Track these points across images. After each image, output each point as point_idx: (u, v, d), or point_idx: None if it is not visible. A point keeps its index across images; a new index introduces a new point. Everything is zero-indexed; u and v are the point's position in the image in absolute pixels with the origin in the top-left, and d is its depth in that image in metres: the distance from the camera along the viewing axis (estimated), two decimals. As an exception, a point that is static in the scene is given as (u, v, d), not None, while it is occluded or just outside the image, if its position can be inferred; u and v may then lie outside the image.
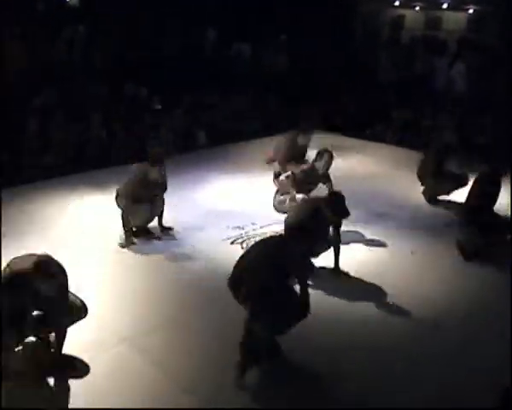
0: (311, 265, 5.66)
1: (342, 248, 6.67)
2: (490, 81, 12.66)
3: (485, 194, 7.12)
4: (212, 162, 10.25)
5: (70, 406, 4.48)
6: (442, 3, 16.26)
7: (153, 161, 7.10)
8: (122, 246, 7.02)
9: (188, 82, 12.27)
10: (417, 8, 16.90)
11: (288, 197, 7.80)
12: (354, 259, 6.89)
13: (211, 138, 11.74)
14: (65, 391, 4.65)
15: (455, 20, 15.92)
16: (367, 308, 5.95)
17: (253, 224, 7.63)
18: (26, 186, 8.75)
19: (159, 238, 7.30)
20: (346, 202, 6.44)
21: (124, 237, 7.09)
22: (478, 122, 11.62)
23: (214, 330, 5.45)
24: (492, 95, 12.08)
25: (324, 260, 6.58)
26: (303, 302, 4.87)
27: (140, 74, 12.08)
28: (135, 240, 7.15)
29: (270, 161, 8.92)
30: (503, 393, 4.50)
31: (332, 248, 6.51)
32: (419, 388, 4.81)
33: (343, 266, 6.65)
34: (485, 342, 5.44)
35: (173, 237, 7.39)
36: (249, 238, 7.27)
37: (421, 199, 8.82)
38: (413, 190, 8.97)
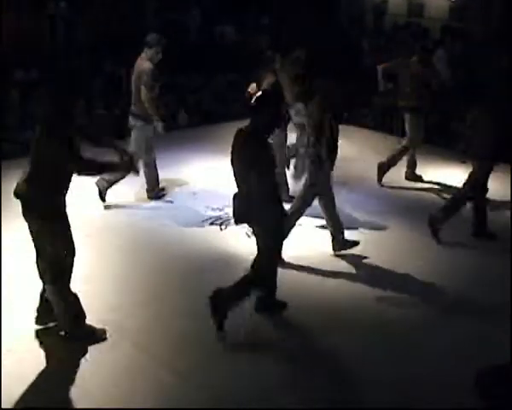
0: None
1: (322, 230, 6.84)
2: (472, 69, 12.74)
3: None
4: (194, 143, 10.27)
5: (48, 385, 4.54)
6: (425, -10, 16.30)
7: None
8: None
9: (171, 62, 12.21)
10: (401, -5, 16.92)
11: None
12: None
13: (192, 119, 11.76)
14: None
15: (437, 7, 15.95)
16: (354, 288, 6.10)
17: (232, 205, 7.69)
18: (5, 162, 8.69)
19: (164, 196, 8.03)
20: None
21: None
22: (458, 109, 11.72)
23: (191, 309, 5.54)
24: (475, 82, 12.16)
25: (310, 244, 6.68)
26: None
27: (123, 53, 12.01)
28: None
29: None
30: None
31: None
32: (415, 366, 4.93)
33: (320, 245, 6.79)
34: (480, 324, 5.55)
35: (151, 217, 7.45)
36: (228, 219, 7.33)
37: (397, 182, 9.00)
38: (389, 173, 9.09)
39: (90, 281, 5.90)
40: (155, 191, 8.05)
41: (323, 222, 6.88)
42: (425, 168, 9.27)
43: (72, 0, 12.66)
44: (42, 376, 4.65)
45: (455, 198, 7.33)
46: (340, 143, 6.77)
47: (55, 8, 12.43)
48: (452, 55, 13.10)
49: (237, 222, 5.29)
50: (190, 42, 13.84)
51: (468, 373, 4.69)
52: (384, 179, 8.93)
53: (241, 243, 6.84)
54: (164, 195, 8.17)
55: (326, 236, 6.84)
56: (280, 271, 5.70)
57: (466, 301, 5.97)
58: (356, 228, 7.40)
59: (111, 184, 7.64)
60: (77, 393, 4.47)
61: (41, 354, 4.89)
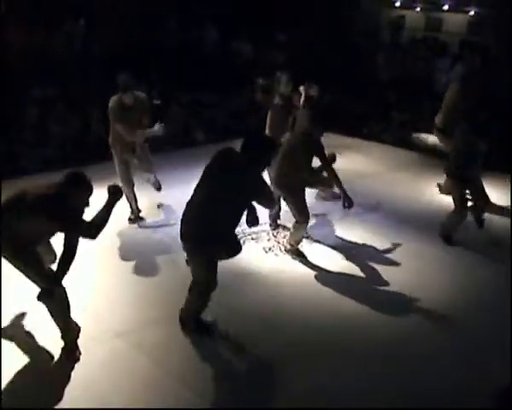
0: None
1: (334, 246, 6.82)
2: (490, 83, 12.67)
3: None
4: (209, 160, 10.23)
5: (66, 399, 4.50)
6: (443, 5, 16.27)
7: (123, 88, 7.27)
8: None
9: (187, 79, 12.28)
10: (418, 10, 16.90)
11: None
12: (348, 256, 7.00)
13: (209, 135, 11.78)
14: None
15: (455, 22, 15.92)
16: (359, 304, 6.00)
17: (248, 221, 7.66)
18: (22, 178, 8.75)
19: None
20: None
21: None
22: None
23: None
24: (492, 97, 12.10)
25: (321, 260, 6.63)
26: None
27: (140, 69, 12.09)
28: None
29: None
30: (502, 393, 4.57)
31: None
32: (412, 386, 4.85)
33: (335, 264, 6.75)
34: (482, 340, 5.49)
35: (167, 233, 7.42)
36: (244, 235, 7.29)
37: (416, 198, 8.93)
38: (408, 190, 9.05)
39: (107, 298, 5.90)
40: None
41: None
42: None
43: (90, 18, 12.76)
44: (58, 387, 4.62)
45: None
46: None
47: (73, 26, 12.52)
48: (471, 70, 13.05)
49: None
50: (206, 58, 13.88)
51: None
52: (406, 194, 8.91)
53: (258, 258, 6.82)
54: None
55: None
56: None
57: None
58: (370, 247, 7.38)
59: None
60: (92, 405, 4.44)
61: (57, 364, 4.86)
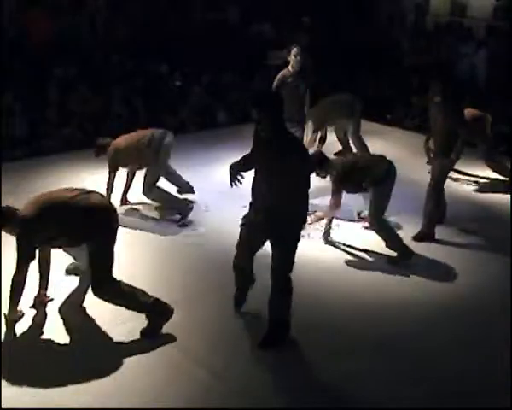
0: None
1: (349, 227, 6.96)
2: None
3: None
4: (231, 141, 10.21)
5: (89, 378, 4.55)
6: (468, -11, 16.02)
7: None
8: None
9: (209, 60, 12.25)
10: (443, -6, 16.66)
11: None
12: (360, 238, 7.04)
13: (230, 117, 11.77)
14: None
15: (480, 7, 15.66)
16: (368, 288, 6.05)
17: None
18: (42, 158, 8.81)
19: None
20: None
21: None
22: (500, 111, 11.50)
23: (227, 308, 5.51)
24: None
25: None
26: None
27: (161, 50, 12.09)
28: None
29: None
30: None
31: None
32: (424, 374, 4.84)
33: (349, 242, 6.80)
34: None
35: (192, 217, 7.39)
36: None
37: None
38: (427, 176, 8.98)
39: (126, 276, 5.87)
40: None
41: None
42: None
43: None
44: (80, 370, 4.66)
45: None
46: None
47: (94, 5, 12.51)
48: (495, 55, 12.89)
49: None
50: (229, 40, 13.82)
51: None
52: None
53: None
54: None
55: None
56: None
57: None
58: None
59: None
60: (112, 386, 4.50)
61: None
